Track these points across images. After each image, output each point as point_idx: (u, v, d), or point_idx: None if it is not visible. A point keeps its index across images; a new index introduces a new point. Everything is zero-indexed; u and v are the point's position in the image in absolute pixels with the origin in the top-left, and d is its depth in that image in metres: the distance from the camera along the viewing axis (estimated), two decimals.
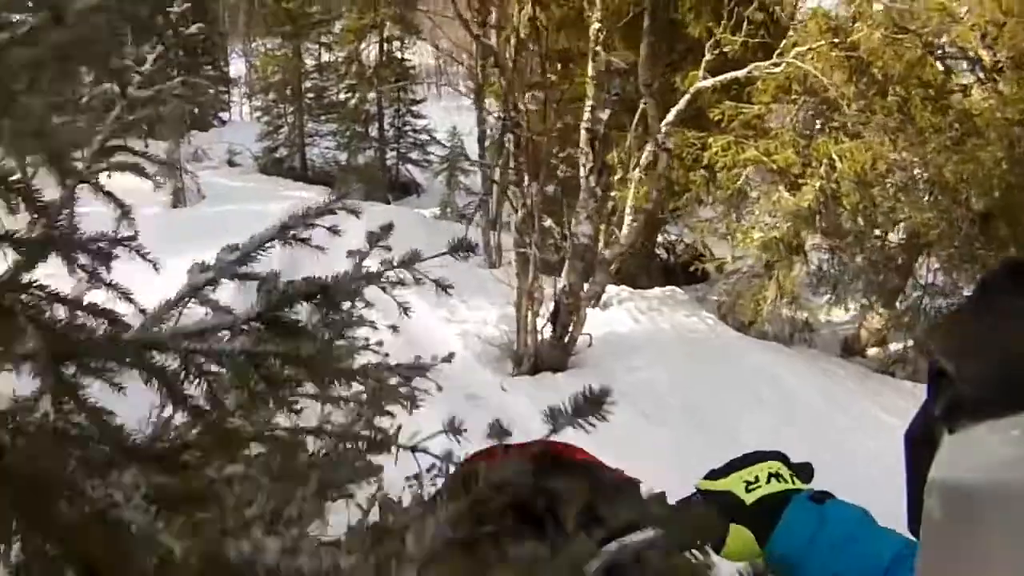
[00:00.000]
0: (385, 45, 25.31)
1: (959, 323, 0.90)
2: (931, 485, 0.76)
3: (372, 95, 25.36)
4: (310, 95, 26.23)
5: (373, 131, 25.95)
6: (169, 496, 0.88)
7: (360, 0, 25.20)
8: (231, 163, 26.00)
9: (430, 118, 26.90)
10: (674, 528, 1.01)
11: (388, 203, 23.54)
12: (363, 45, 25.45)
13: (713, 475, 1.39)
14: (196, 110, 30.81)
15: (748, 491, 1.32)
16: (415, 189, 26.95)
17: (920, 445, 0.84)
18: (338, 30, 26.38)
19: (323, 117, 26.30)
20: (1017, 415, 0.67)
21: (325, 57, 26.82)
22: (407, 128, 26.65)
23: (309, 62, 26.21)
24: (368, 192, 24.09)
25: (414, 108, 26.71)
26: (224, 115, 33.44)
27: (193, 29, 4.40)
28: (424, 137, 26.52)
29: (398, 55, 25.93)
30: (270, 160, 25.68)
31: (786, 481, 1.34)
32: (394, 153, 26.67)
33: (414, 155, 26.85)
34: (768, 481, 1.33)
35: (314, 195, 17.35)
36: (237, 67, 36.21)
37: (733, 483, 1.35)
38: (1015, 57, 10.67)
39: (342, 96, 26.33)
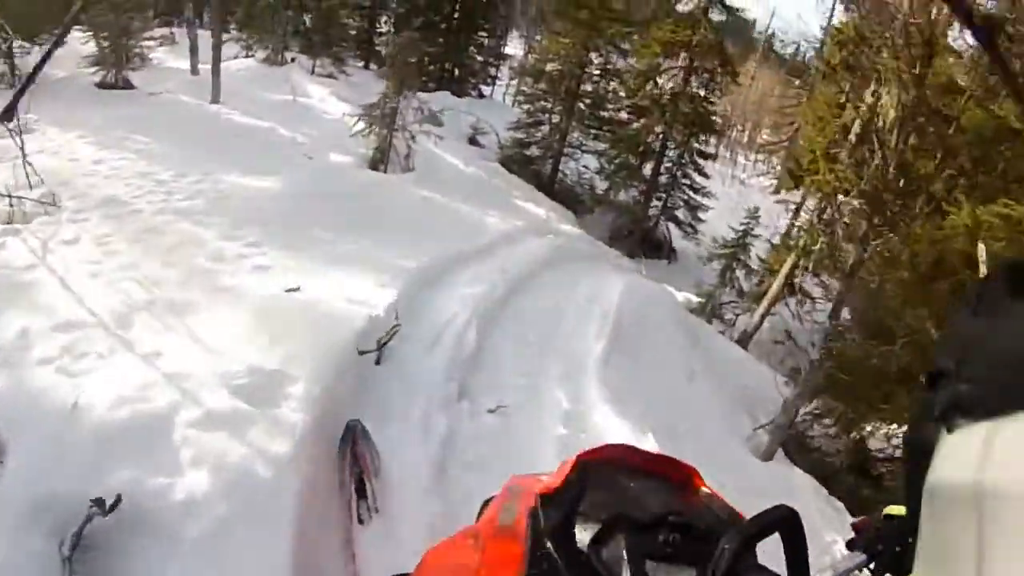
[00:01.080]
0: (692, 76, 20.17)
1: (959, 324, 0.87)
2: (930, 484, 0.79)
3: (659, 128, 20.31)
4: (586, 100, 21.31)
5: (646, 168, 21.09)
6: None
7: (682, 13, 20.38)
8: (472, 140, 21.70)
9: (714, 178, 21.84)
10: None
11: (633, 258, 19.86)
12: (667, 64, 20.54)
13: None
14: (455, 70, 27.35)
15: None
16: (668, 253, 21.97)
17: (919, 445, 0.85)
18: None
19: (593, 131, 21.52)
20: (1016, 415, 0.67)
21: (618, 63, 21.85)
22: (685, 181, 21.62)
23: (596, 62, 21.29)
24: (614, 235, 19.63)
25: (701, 162, 21.58)
26: (485, 89, 29.15)
27: None
28: (700, 199, 21.56)
29: (701, 92, 20.76)
30: (517, 155, 21.14)
31: None
32: (659, 203, 21.63)
33: (679, 213, 21.80)
34: None
35: (554, 215, 17.03)
36: (515, 49, 32.74)
37: None
38: None
39: (623, 115, 21.54)
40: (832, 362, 10.87)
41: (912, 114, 11.94)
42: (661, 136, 20.45)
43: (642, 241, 21.03)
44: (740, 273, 16.68)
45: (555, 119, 21.17)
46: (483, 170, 17.66)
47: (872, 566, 1.91)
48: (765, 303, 16.25)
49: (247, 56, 21.95)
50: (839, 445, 11.82)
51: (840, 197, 13.82)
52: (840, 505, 10.01)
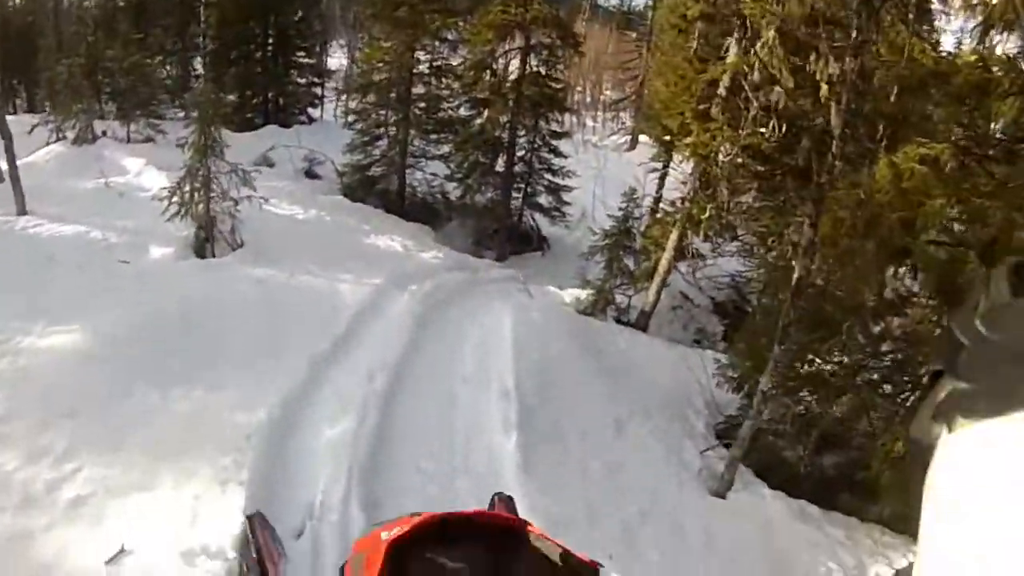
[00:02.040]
0: (531, 55, 18.25)
1: (959, 323, 0.80)
2: (930, 485, 0.77)
3: (505, 118, 18.33)
4: (420, 105, 19.10)
5: (498, 163, 19.04)
6: None
7: None
8: (309, 173, 19.76)
9: (572, 157, 20.33)
10: None
11: (504, 258, 18.95)
12: (501, 49, 18.47)
13: None
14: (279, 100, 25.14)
15: None
16: (539, 243, 20.20)
17: (919, 445, 0.80)
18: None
19: (434, 136, 19.38)
20: (1017, 415, 0.67)
21: (449, 59, 19.79)
22: (541, 167, 19.70)
23: (424, 61, 19.10)
24: (479, 238, 19.38)
25: (554, 143, 19.65)
26: (314, 112, 26.94)
27: None
28: (560, 181, 19.65)
29: (541, 70, 18.70)
30: (359, 179, 18.98)
31: None
32: (519, 195, 19.76)
33: (542, 200, 19.93)
34: None
35: (411, 242, 15.55)
36: (339, 60, 30.54)
37: None
38: None
39: (463, 112, 19.39)
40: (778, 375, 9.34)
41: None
42: (508, 126, 18.47)
43: (509, 239, 19.29)
44: (628, 259, 15.11)
45: (392, 131, 19.04)
46: (325, 209, 15.78)
47: None
48: (658, 279, 14.82)
49: (59, 139, 19.16)
50: (804, 444, 10.42)
51: (720, 157, 12.40)
52: (836, 519, 9.37)
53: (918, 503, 0.78)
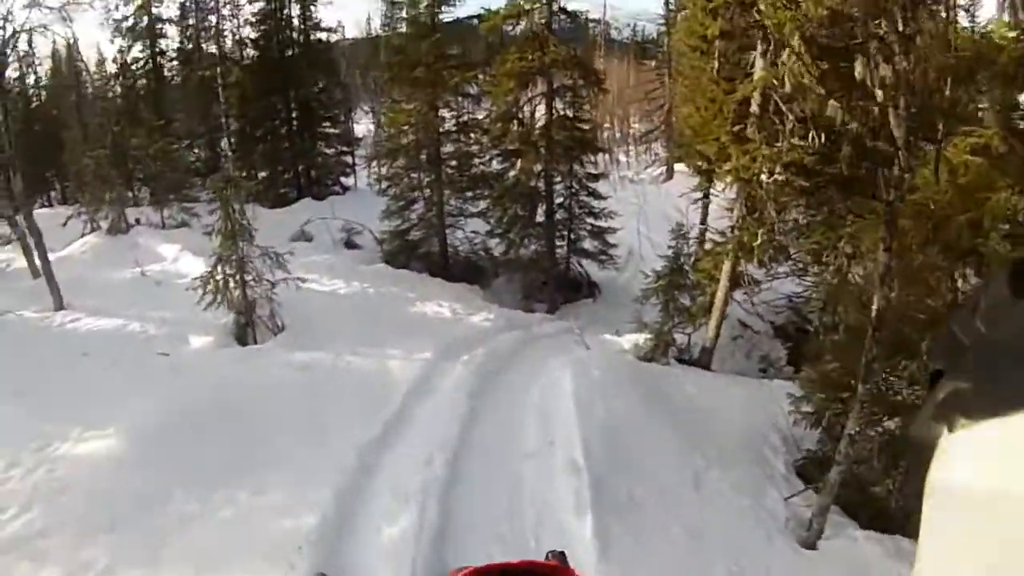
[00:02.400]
0: (555, 98, 17.75)
1: (960, 323, 0.78)
2: (930, 486, 0.76)
3: (539, 166, 17.73)
4: (451, 163, 18.77)
5: (539, 213, 18.48)
6: None
7: (521, 39, 17.79)
8: (348, 244, 19.48)
9: (612, 197, 19.76)
10: None
11: (556, 309, 18.44)
12: (524, 97, 17.91)
13: None
14: (310, 171, 25.00)
15: None
16: (590, 290, 19.60)
17: (920, 445, 0.78)
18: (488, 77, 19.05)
19: (470, 193, 18.95)
20: (1016, 415, 0.65)
21: (475, 112, 19.69)
22: (582, 211, 19.10)
23: (448, 119, 18.84)
24: (527, 292, 18.90)
25: (592, 185, 19.04)
26: (347, 180, 26.96)
27: None
28: (603, 223, 19.04)
29: (568, 113, 18.20)
30: (399, 245, 18.64)
31: None
32: (564, 243, 19.17)
33: (587, 245, 19.33)
34: None
35: (459, 305, 15.20)
36: (366, 126, 30.49)
37: None
38: None
39: (495, 165, 18.88)
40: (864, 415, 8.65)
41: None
42: (542, 174, 17.93)
43: (559, 288, 18.72)
44: (684, 297, 14.49)
45: (427, 192, 18.72)
46: (367, 280, 15.33)
47: None
48: (716, 313, 14.17)
49: (93, 230, 19.20)
50: (892, 478, 9.70)
51: (764, 177, 11.82)
52: None
53: (918, 503, 0.76)
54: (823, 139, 11.48)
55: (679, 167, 27.30)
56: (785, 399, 11.20)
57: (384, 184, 19.27)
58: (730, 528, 7.98)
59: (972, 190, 8.41)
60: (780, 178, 11.78)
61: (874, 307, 7.74)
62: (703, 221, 18.62)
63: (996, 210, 8.26)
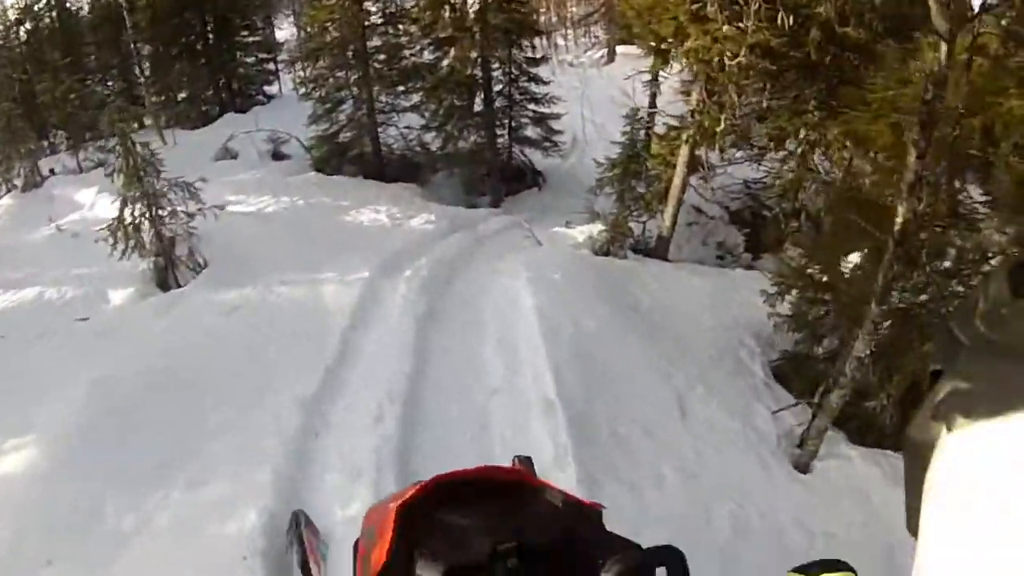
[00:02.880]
0: None
1: (959, 323, 0.82)
2: (929, 485, 0.77)
3: (475, 53, 16.17)
4: (379, 58, 17.00)
5: (477, 103, 17.08)
6: None
7: None
8: (275, 155, 17.78)
9: (553, 81, 18.53)
10: None
11: (500, 202, 17.48)
12: None
13: (803, 568, 1.57)
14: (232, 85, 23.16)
15: None
16: (534, 179, 18.46)
17: (919, 444, 0.82)
18: None
19: (400, 87, 17.24)
20: (1015, 415, 0.66)
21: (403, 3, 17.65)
22: (523, 98, 17.72)
23: (375, 12, 17.04)
24: (469, 186, 17.89)
25: (532, 70, 17.60)
26: (272, 89, 25.17)
27: None
28: (545, 109, 17.71)
29: None
30: (329, 150, 17.10)
31: None
32: (505, 132, 17.83)
33: (529, 133, 18.04)
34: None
35: (397, 209, 13.97)
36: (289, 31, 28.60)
37: None
38: None
39: (427, 56, 17.14)
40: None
41: None
42: (479, 61, 16.39)
43: (503, 180, 17.56)
44: (640, 185, 13.40)
45: (355, 91, 17.00)
46: (297, 193, 13.97)
47: None
48: (672, 200, 13.16)
49: (8, 191, 17.31)
50: (887, 392, 8.87)
51: (726, 60, 10.68)
52: None
53: (918, 503, 0.78)
54: (791, 21, 10.33)
55: (621, 49, 26.00)
56: (749, 290, 10.58)
57: (309, 87, 17.41)
58: (724, 460, 7.06)
59: (984, 93, 7.38)
60: (744, 61, 10.69)
61: (898, 219, 6.61)
62: (652, 105, 17.63)
63: (1009, 117, 7.30)
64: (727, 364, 9.35)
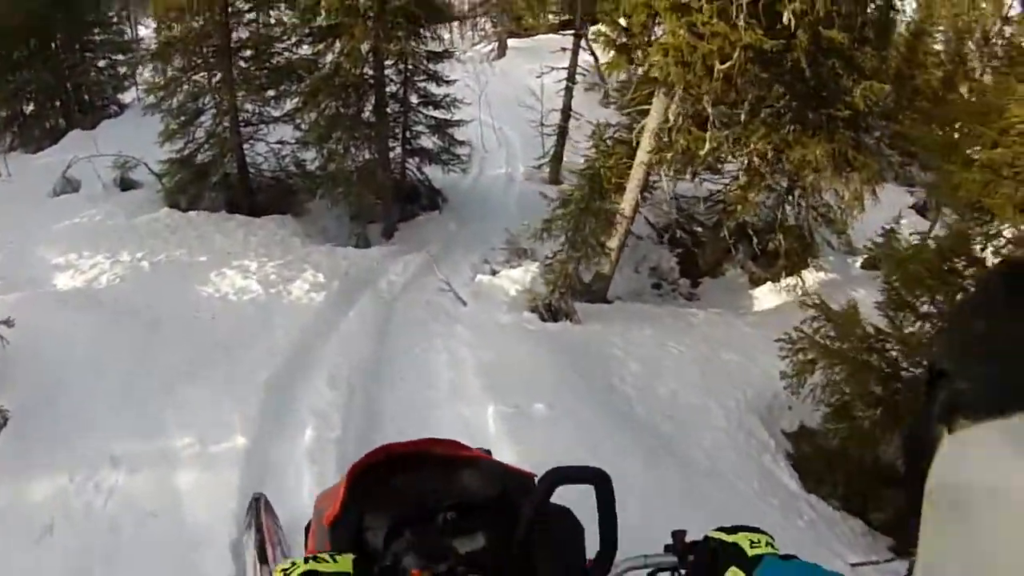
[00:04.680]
0: None
1: (960, 323, 0.84)
2: (930, 486, 0.74)
3: (366, 45, 12.24)
4: (245, 54, 12.99)
5: (367, 111, 13.10)
6: None
7: None
8: (124, 183, 13.66)
9: (461, 80, 15.42)
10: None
11: (393, 231, 13.73)
12: None
13: (723, 530, 1.84)
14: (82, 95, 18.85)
15: (751, 547, 1.75)
16: (432, 200, 14.91)
17: (919, 445, 0.78)
18: None
19: (271, 92, 13.14)
20: (1017, 416, 0.65)
21: None
22: (420, 101, 14.07)
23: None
24: (356, 211, 13.51)
25: (433, 67, 13.97)
26: (127, 96, 20.32)
27: None
28: (446, 115, 14.12)
29: None
30: (185, 176, 12.96)
31: (774, 549, 1.77)
32: (398, 144, 14.16)
33: (428, 143, 14.40)
34: (764, 545, 1.77)
35: (272, 263, 10.42)
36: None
37: (740, 539, 1.79)
38: None
39: (305, 50, 13.05)
40: None
41: None
42: (371, 56, 12.38)
43: (396, 201, 13.92)
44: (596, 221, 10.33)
45: (217, 99, 12.93)
46: (142, 244, 10.37)
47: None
48: (619, 232, 10.30)
49: None
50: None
51: (716, 64, 7.83)
52: None
53: (918, 503, 0.74)
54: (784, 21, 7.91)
55: (513, 43, 23.11)
56: (721, 343, 9.11)
57: (158, 95, 13.03)
58: None
59: None
60: (736, 65, 7.89)
61: None
62: (568, 109, 14.86)
63: None
64: (755, 482, 6.55)
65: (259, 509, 4.62)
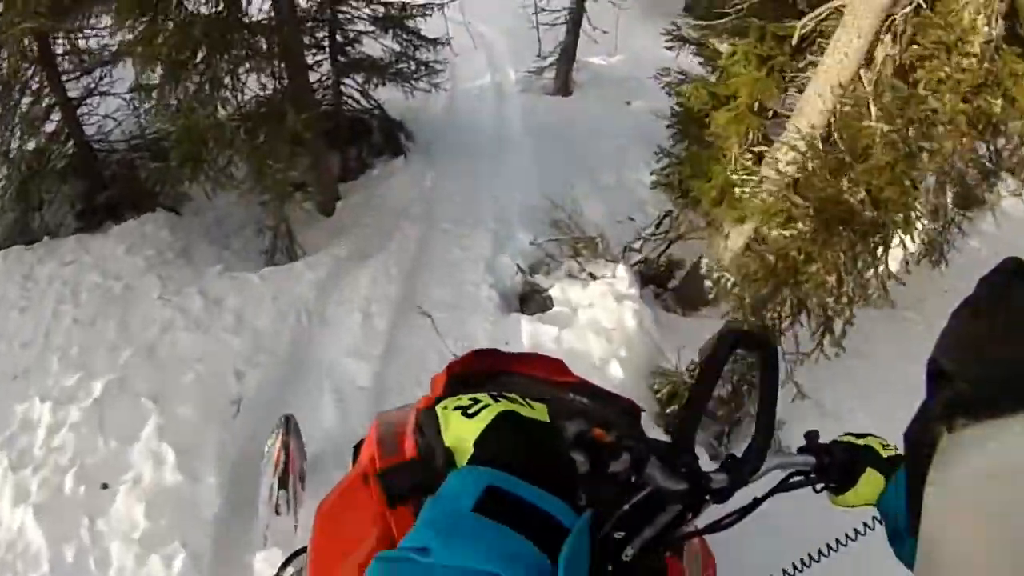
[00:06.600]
0: None
1: (960, 323, 0.80)
2: (930, 484, 0.73)
3: None
4: None
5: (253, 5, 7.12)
6: None
7: None
8: None
9: None
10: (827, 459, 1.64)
11: (332, 206, 8.37)
12: None
13: (852, 435, 1.74)
14: None
15: (884, 449, 1.67)
16: (391, 141, 9.53)
17: (919, 445, 0.78)
18: None
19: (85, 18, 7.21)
20: (1017, 416, 0.64)
21: None
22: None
23: None
24: (275, 191, 7.40)
25: None
26: None
27: None
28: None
29: None
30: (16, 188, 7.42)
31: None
32: (325, 57, 8.78)
33: (374, 49, 9.08)
34: (894, 449, 1.66)
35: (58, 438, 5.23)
36: None
37: (872, 442, 1.69)
38: None
39: None
40: None
41: None
42: None
43: (333, 150, 8.72)
44: None
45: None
46: None
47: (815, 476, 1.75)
48: None
49: None
50: None
51: None
52: None
53: (919, 504, 0.72)
54: None
55: None
56: None
57: None
58: None
59: None
60: None
61: None
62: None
63: None
64: None
65: (288, 429, 4.27)
